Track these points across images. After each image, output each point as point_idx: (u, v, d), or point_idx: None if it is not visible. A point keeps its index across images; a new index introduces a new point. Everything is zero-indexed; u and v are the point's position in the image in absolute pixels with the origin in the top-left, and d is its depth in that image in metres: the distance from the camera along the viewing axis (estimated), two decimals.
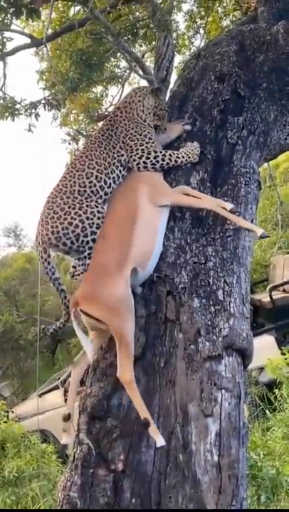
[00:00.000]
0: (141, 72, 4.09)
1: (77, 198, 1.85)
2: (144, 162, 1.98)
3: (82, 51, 4.46)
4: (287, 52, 2.45)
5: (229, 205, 1.80)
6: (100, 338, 1.72)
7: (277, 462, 3.28)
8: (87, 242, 1.78)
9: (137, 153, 1.99)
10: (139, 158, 1.98)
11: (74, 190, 1.87)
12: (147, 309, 1.69)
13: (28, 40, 3.94)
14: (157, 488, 1.45)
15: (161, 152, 2.01)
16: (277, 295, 5.52)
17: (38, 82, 5.10)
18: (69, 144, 5.42)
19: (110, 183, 1.94)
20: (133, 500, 1.45)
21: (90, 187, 1.89)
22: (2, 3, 3.07)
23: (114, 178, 1.96)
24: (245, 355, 1.72)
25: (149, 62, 5.60)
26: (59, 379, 5.73)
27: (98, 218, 1.80)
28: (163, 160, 1.99)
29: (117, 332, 1.53)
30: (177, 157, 2.01)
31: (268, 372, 4.48)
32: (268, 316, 5.57)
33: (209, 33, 5.90)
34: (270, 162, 5.65)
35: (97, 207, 1.84)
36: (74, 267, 1.87)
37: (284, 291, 5.82)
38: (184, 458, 1.47)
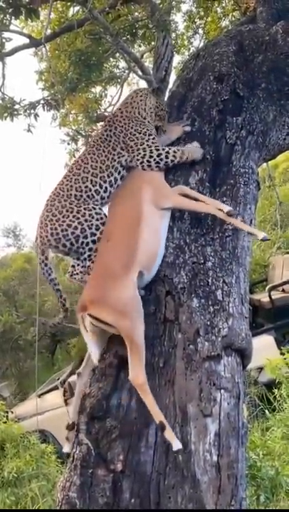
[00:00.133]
0: (140, 73, 4.09)
1: (74, 201, 1.88)
2: (147, 161, 1.96)
3: (81, 51, 4.46)
4: (286, 52, 2.45)
5: (226, 208, 1.79)
6: (100, 341, 1.71)
7: (277, 462, 3.29)
8: (87, 244, 1.81)
9: (139, 153, 1.97)
10: (142, 157, 1.96)
11: (71, 195, 1.90)
12: (146, 309, 1.69)
13: (27, 41, 3.93)
14: (156, 488, 1.45)
15: (164, 150, 1.98)
16: (276, 295, 5.53)
17: (37, 83, 5.10)
18: (68, 144, 5.41)
19: (106, 187, 1.95)
20: (132, 500, 1.45)
21: (86, 191, 1.91)
22: (1, 3, 3.07)
23: (111, 181, 1.96)
24: (244, 355, 1.72)
25: (148, 63, 5.59)
26: (58, 379, 5.73)
27: (97, 220, 1.83)
28: (167, 157, 1.96)
29: (127, 335, 1.52)
30: (182, 153, 1.98)
31: (267, 372, 4.49)
32: (267, 316, 5.58)
33: (208, 34, 5.89)
34: (269, 162, 5.65)
35: (94, 209, 1.86)
36: (73, 266, 1.90)
37: (283, 291, 5.83)
38: (183, 458, 1.47)
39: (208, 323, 1.66)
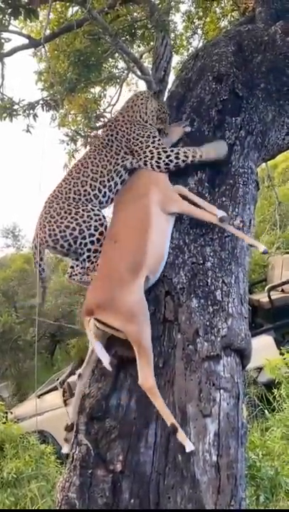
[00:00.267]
0: (139, 73, 4.08)
1: (72, 203, 1.88)
2: (156, 162, 1.94)
3: (80, 52, 4.46)
4: (285, 52, 2.45)
5: (220, 213, 1.78)
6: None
7: (276, 462, 3.29)
8: (86, 244, 1.82)
9: (146, 155, 1.95)
10: (150, 159, 1.94)
11: (69, 197, 1.90)
12: None
13: (26, 41, 3.93)
14: (156, 489, 1.45)
15: (172, 151, 1.95)
16: (275, 295, 5.54)
17: (37, 83, 5.09)
18: (67, 144, 5.40)
19: (105, 192, 1.94)
20: (132, 500, 1.45)
21: (85, 195, 1.91)
22: (0, 3, 3.07)
23: (110, 186, 1.95)
24: (243, 356, 1.72)
25: (147, 63, 5.60)
26: (58, 380, 5.73)
27: (95, 221, 1.83)
28: (177, 158, 1.93)
29: (135, 340, 1.52)
30: (194, 152, 1.93)
31: (266, 372, 4.49)
32: (267, 316, 5.59)
33: (207, 34, 5.90)
34: (268, 162, 5.66)
35: (93, 210, 1.86)
36: (72, 267, 1.91)
37: (282, 291, 5.84)
38: (183, 458, 1.47)
39: (208, 323, 1.66)
